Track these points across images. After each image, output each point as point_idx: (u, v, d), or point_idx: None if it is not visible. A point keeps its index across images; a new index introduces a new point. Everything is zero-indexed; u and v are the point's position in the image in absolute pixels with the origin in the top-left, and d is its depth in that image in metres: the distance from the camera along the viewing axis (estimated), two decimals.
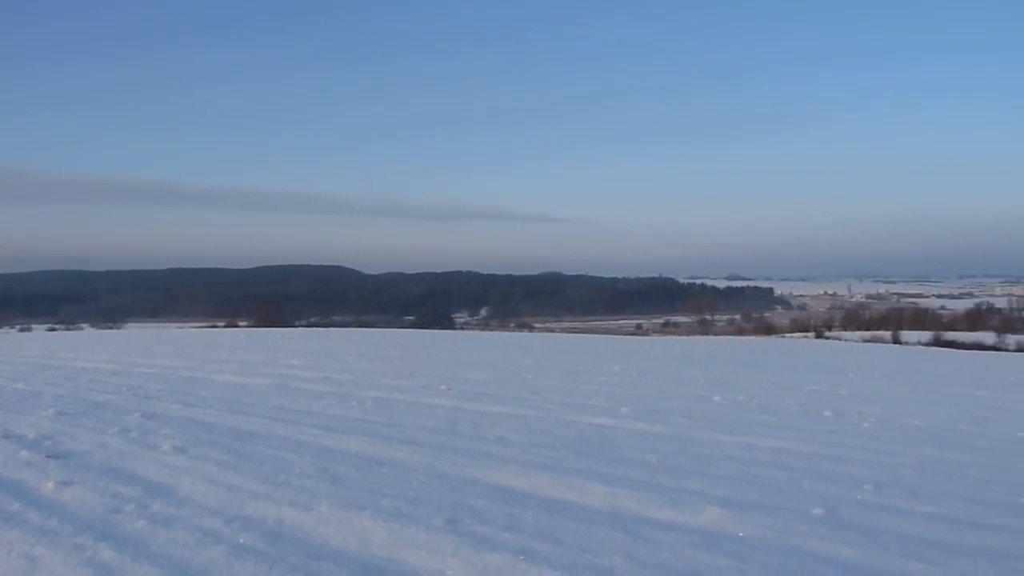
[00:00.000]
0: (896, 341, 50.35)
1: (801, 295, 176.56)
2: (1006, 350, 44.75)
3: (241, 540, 3.66)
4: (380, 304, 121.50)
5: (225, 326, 50.88)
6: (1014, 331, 59.65)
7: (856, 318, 77.88)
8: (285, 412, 8.00)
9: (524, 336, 41.18)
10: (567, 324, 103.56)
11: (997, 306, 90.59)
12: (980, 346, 45.41)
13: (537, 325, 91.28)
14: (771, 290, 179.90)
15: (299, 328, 41.77)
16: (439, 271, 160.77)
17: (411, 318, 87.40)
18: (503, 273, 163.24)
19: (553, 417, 8.26)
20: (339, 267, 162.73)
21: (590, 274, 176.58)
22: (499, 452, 6.04)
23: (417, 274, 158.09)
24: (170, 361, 14.20)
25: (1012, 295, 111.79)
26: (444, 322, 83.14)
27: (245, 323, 56.51)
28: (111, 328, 49.36)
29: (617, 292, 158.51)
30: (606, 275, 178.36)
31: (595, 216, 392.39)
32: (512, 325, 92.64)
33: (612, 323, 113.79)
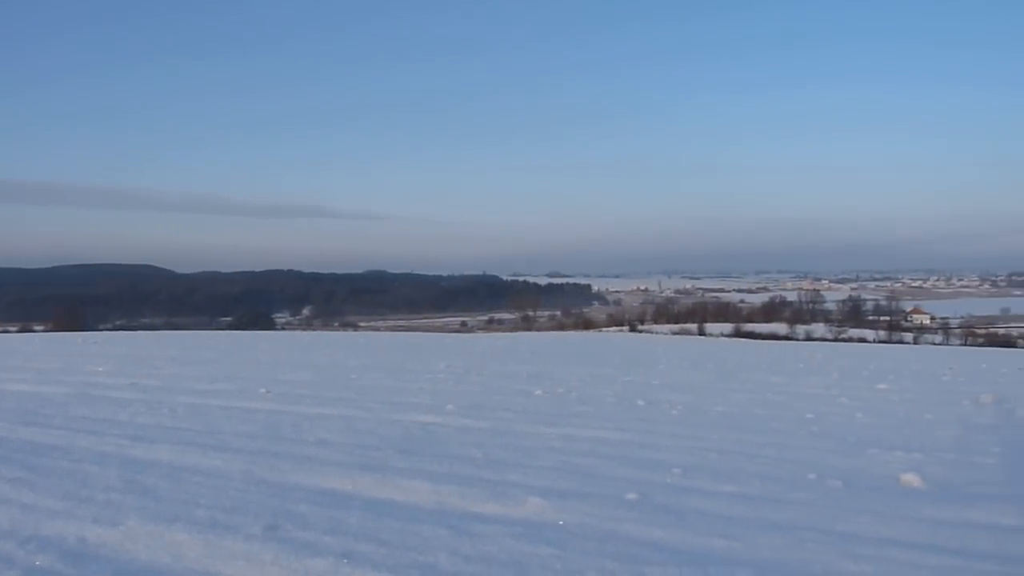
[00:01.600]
0: (701, 333, 53.91)
1: (616, 291, 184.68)
2: (796, 339, 48.99)
3: (37, 562, 3.38)
4: (194, 305, 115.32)
5: (18, 331, 46.49)
6: (803, 322, 65.50)
7: (666, 312, 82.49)
8: (87, 422, 7.44)
9: (348, 335, 40.52)
10: (392, 322, 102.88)
11: (789, 299, 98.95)
12: (774, 336, 49.51)
13: (362, 324, 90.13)
14: (589, 286, 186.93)
15: (103, 332, 38.96)
16: (259, 270, 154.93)
17: (228, 319, 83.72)
18: (327, 272, 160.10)
19: (378, 417, 8.18)
20: (148, 266, 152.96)
21: (415, 272, 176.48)
22: (322, 455, 5.92)
23: (234, 273, 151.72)
24: None
25: (801, 289, 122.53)
26: (264, 322, 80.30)
27: (41, 327, 51.86)
28: None
29: (442, 290, 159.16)
30: (431, 273, 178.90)
31: (420, 214, 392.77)
32: (336, 324, 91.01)
33: (438, 321, 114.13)
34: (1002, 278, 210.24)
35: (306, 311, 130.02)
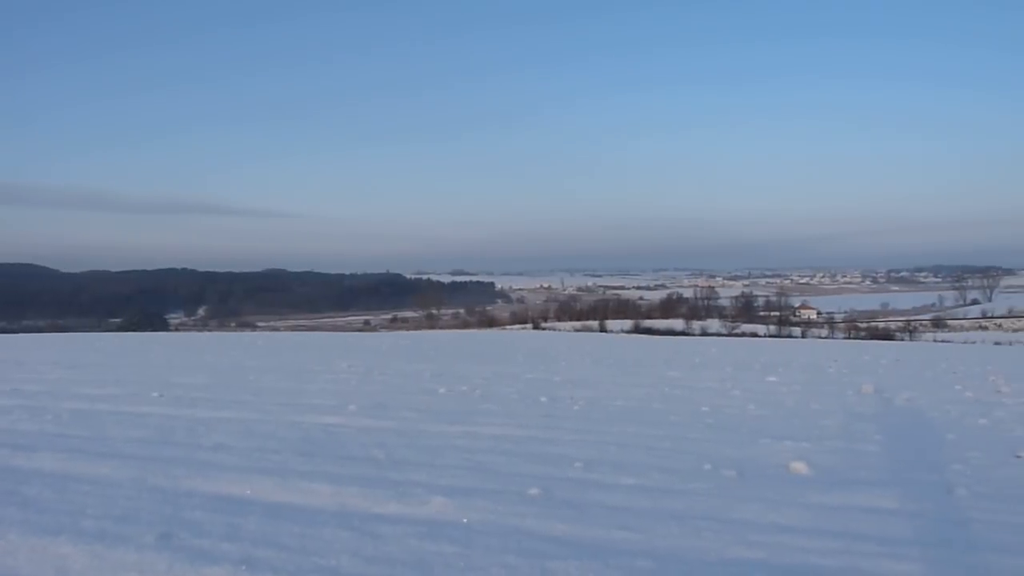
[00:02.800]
0: (602, 329, 54.82)
1: (520, 289, 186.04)
2: (692, 334, 50.40)
3: None
4: (81, 305, 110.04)
5: None
6: (699, 318, 67.57)
7: (568, 309, 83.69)
8: None
9: (246, 336, 39.49)
10: (293, 322, 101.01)
11: (685, 296, 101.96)
12: (672, 332, 50.84)
13: (261, 324, 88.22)
14: (493, 284, 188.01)
15: None
16: (151, 268, 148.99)
17: (117, 320, 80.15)
18: (223, 270, 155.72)
19: (277, 419, 8.00)
20: (30, 265, 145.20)
21: (317, 271, 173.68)
22: (218, 460, 5.75)
23: (125, 272, 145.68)
24: None
25: (697, 286, 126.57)
26: (156, 323, 77.42)
27: None
28: None
29: (345, 288, 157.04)
30: (333, 272, 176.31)
31: (322, 212, 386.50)
32: (233, 325, 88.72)
33: (340, 320, 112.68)
34: (882, 275, 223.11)
35: (201, 311, 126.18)
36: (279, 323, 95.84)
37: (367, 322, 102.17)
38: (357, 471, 5.35)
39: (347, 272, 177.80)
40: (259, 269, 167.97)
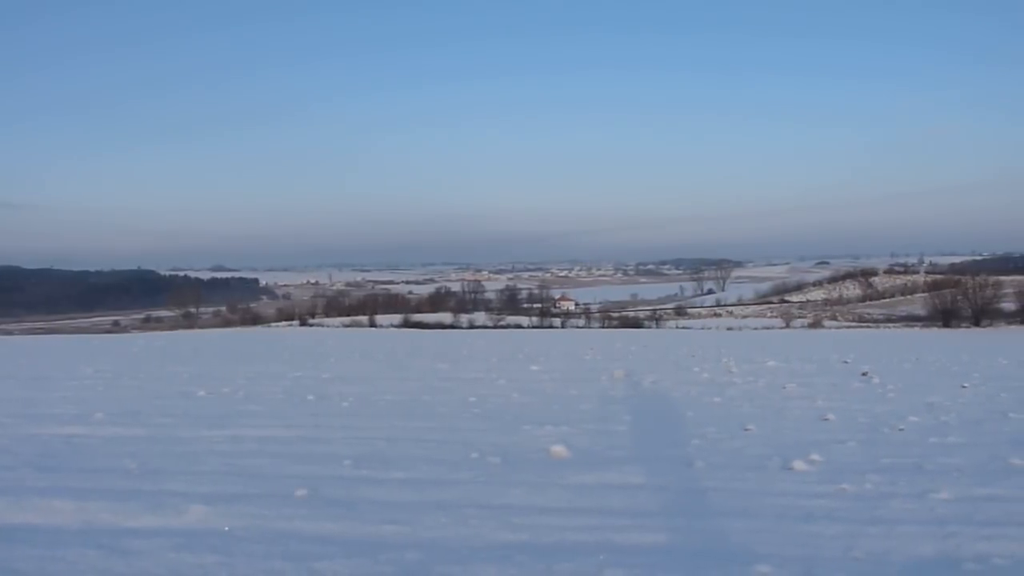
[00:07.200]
0: (372, 324, 54.61)
1: (286, 284, 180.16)
2: (461, 327, 51.57)
3: None
4: None
5: None
6: (466, 311, 69.17)
7: (337, 305, 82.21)
8: None
9: None
10: (29, 324, 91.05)
11: (453, 290, 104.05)
12: (441, 325, 51.68)
13: None
14: (257, 281, 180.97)
15: None
16: None
17: None
18: None
19: (10, 432, 7.21)
20: None
21: (57, 268, 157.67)
22: None
23: None
24: None
25: (464, 280, 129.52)
26: None
27: None
28: None
29: (90, 286, 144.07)
30: (76, 268, 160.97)
31: (62, 203, 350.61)
32: None
33: (85, 321, 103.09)
34: (631, 268, 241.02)
35: None
36: (12, 326, 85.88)
37: (116, 323, 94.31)
38: (105, 484, 4.97)
39: (92, 269, 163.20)
40: None
